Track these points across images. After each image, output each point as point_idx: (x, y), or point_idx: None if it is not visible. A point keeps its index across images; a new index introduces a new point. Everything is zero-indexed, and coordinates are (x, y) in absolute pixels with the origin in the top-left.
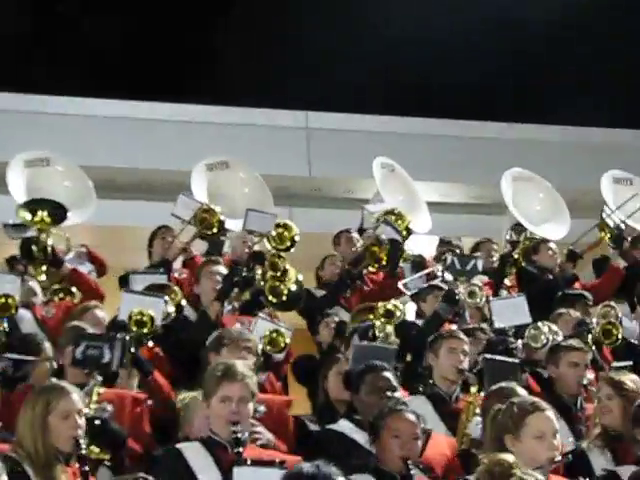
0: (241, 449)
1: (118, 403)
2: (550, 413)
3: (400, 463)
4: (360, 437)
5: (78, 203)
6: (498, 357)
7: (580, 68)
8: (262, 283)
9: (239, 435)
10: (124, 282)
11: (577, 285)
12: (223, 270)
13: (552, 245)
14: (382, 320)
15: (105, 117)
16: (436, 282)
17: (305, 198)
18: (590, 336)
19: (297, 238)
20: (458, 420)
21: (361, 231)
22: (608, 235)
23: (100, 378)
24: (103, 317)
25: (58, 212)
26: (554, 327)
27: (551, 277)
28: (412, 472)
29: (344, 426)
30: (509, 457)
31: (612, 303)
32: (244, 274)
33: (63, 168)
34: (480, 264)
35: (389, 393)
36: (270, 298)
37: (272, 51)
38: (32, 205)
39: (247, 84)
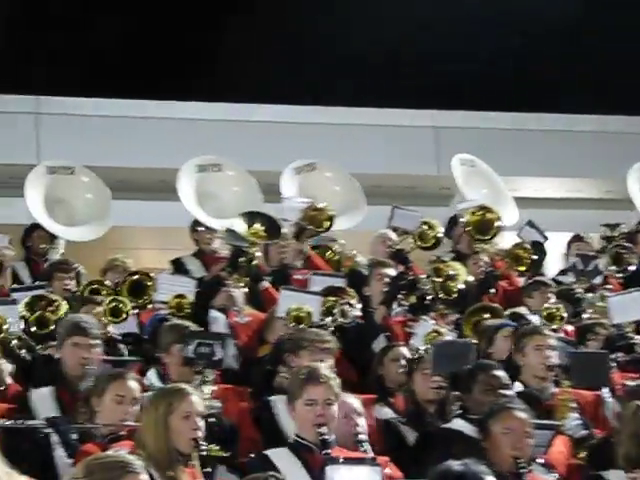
0: (329, 450)
1: (223, 398)
2: None
3: (511, 461)
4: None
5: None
6: (583, 350)
7: None
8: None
9: (326, 437)
10: None
11: None
12: (392, 272)
13: None
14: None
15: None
16: (542, 278)
17: (434, 197)
18: None
19: (440, 236)
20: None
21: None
22: None
23: (212, 376)
24: None
25: (274, 227)
26: None
27: None
28: (522, 471)
29: (460, 425)
30: None
31: None
32: (411, 277)
33: (234, 173)
34: (602, 265)
35: (502, 391)
36: (440, 295)
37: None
38: (251, 217)
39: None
